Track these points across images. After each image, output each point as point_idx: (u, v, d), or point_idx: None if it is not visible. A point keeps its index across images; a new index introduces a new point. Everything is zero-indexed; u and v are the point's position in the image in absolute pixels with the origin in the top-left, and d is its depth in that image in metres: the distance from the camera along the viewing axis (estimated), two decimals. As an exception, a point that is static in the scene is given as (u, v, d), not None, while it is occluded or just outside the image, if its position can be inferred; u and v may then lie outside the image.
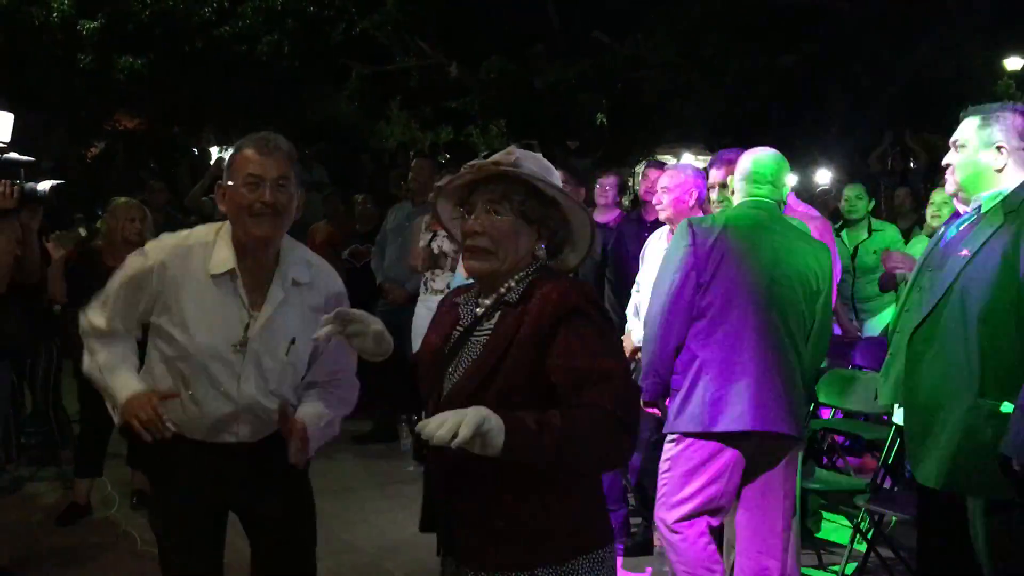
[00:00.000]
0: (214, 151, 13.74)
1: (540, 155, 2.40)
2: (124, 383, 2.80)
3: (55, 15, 12.47)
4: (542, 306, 2.18)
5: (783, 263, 3.71)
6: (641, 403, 3.91)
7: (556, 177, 2.34)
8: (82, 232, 6.72)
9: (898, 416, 3.35)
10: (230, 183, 2.78)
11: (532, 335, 2.16)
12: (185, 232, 2.93)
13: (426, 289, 6.43)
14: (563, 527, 2.19)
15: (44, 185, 4.06)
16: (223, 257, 2.80)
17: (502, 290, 2.28)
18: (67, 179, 4.94)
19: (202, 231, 2.90)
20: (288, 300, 2.85)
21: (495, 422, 1.92)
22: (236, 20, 13.27)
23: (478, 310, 2.32)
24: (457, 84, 13.06)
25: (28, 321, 5.47)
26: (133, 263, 2.87)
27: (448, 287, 6.14)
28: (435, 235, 6.39)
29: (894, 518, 4.55)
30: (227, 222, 2.85)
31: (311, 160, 12.14)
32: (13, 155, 4.10)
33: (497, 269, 2.27)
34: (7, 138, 4.08)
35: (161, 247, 2.87)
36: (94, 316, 2.91)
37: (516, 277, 2.28)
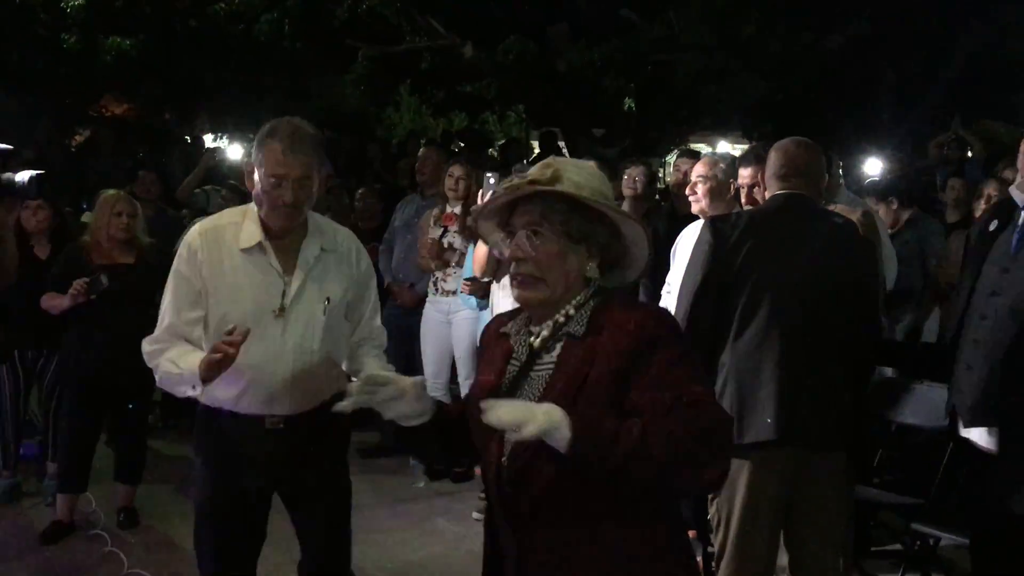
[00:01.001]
0: (208, 139, 13.79)
1: (588, 163, 2.38)
2: (195, 358, 3.12)
3: (37, -8, 12.55)
4: (618, 339, 2.14)
5: (819, 260, 3.69)
6: None
7: (605, 184, 2.32)
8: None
9: (975, 435, 3.33)
10: (256, 170, 3.18)
11: (609, 372, 2.12)
12: (216, 215, 3.42)
13: (436, 290, 6.43)
14: (645, 559, 2.17)
15: (23, 176, 4.09)
16: (251, 232, 3.23)
17: (560, 319, 2.26)
18: (50, 169, 4.97)
19: (231, 212, 3.39)
20: (319, 263, 3.31)
21: (564, 431, 1.97)
22: (232, -3, 13.32)
23: (533, 340, 2.29)
24: (472, 67, 13.04)
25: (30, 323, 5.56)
26: (177, 259, 3.29)
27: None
28: (446, 230, 6.39)
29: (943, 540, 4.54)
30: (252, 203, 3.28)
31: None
32: None
33: (549, 297, 2.25)
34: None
35: (193, 234, 3.30)
36: (171, 323, 3.27)
37: (574, 303, 2.26)
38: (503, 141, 15.52)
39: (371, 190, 8.52)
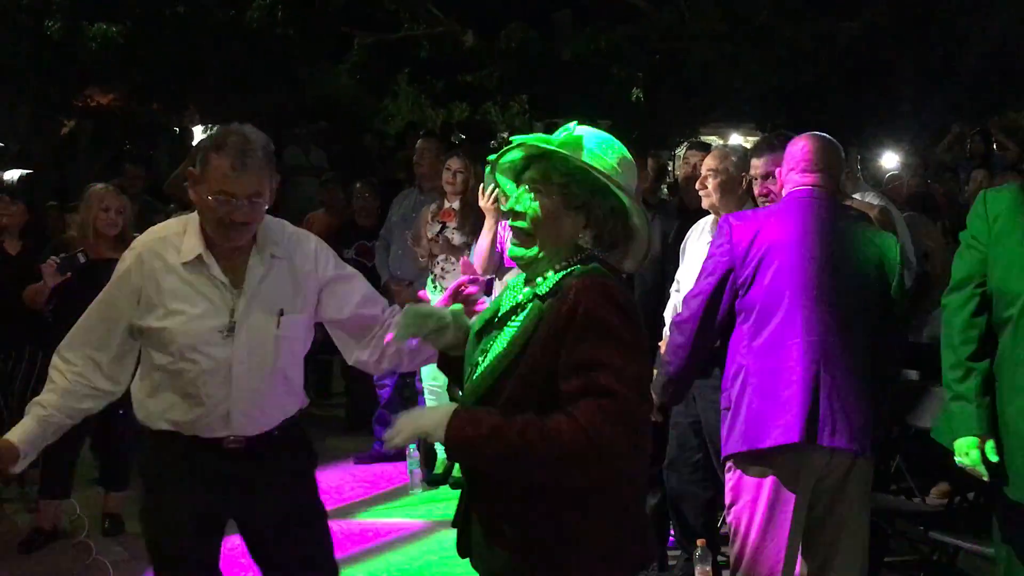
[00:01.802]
0: (197, 131, 13.79)
1: (607, 136, 2.44)
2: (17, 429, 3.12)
3: (19, -24, 12.55)
4: (560, 304, 2.27)
5: (839, 258, 3.69)
6: (655, 411, 4.05)
7: (625, 164, 2.39)
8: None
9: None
10: (202, 182, 3.01)
11: (548, 335, 2.27)
12: (160, 225, 3.25)
13: (435, 287, 6.44)
14: (585, 548, 2.28)
15: (12, 174, 4.10)
16: (191, 245, 3.08)
17: (539, 279, 2.38)
18: (32, 163, 4.99)
19: (173, 223, 3.21)
20: (270, 273, 3.14)
21: (439, 434, 2.23)
22: (223, -19, 13.33)
23: (518, 297, 2.43)
24: (473, 55, 13.05)
25: (3, 320, 5.56)
26: (118, 268, 3.15)
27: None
28: (444, 226, 6.40)
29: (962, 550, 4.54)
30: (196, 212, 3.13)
31: (308, 142, 12.18)
32: None
33: (535, 256, 2.37)
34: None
35: (138, 243, 3.17)
36: (84, 356, 3.15)
37: (556, 267, 2.37)
38: (505, 133, 15.53)
39: (367, 185, 8.52)
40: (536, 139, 2.38)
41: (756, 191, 4.47)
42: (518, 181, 2.43)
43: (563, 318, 2.25)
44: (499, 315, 2.46)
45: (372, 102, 17.43)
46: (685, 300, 3.94)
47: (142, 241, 3.17)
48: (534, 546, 2.29)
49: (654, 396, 3.90)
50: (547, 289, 2.34)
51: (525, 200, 2.36)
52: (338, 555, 3.50)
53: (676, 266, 5.03)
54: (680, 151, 7.56)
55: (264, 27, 13.38)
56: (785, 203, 3.86)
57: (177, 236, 3.11)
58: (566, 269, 2.37)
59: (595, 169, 2.32)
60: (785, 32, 11.76)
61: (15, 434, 3.10)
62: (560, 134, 2.37)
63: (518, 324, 2.36)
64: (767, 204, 4.34)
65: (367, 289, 3.34)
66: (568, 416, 2.18)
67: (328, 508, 3.50)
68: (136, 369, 3.21)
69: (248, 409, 3.12)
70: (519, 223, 2.37)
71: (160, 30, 13.33)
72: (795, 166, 3.85)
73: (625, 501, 2.36)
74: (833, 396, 3.59)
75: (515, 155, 2.42)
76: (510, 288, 2.52)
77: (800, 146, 3.88)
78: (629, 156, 2.43)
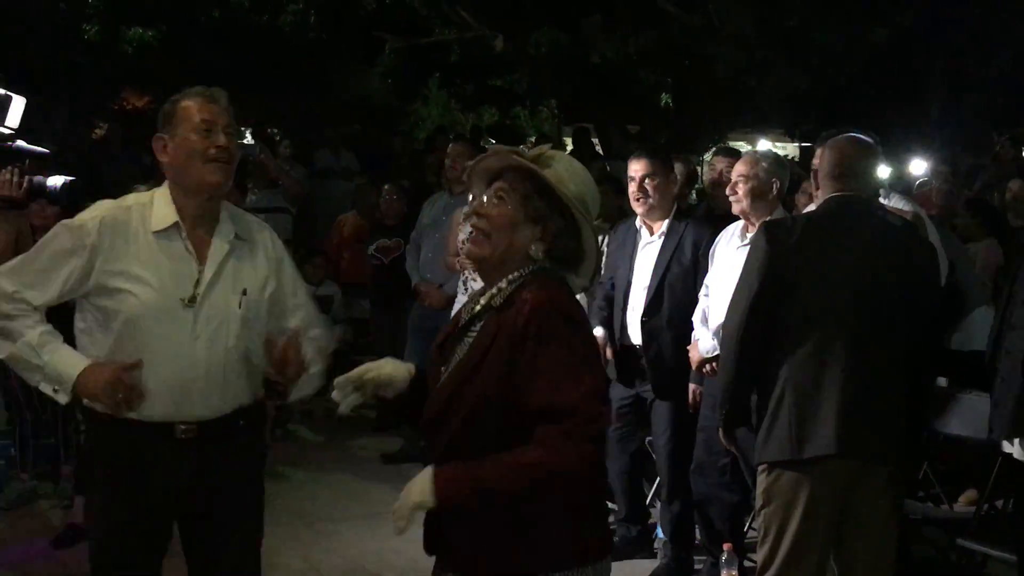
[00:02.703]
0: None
1: (576, 162, 2.60)
2: (70, 358, 2.99)
3: (59, -19, 12.70)
4: (515, 317, 2.39)
5: (878, 266, 3.65)
6: (720, 435, 4.00)
7: (590, 191, 2.54)
8: None
9: (1015, 448, 3.30)
10: (176, 133, 3.05)
11: (503, 347, 2.39)
12: (119, 199, 3.17)
13: (465, 290, 6.43)
14: (548, 537, 2.38)
15: (55, 181, 4.13)
16: (164, 214, 3.07)
17: (493, 291, 2.50)
18: (67, 165, 5.04)
19: (135, 195, 3.18)
20: (234, 252, 3.13)
21: (430, 500, 2.37)
22: (257, -13, 13.43)
23: (473, 306, 2.56)
24: (503, 60, 13.05)
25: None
26: (64, 231, 3.05)
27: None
28: (475, 228, 6.41)
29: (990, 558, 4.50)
30: (161, 186, 3.14)
31: (339, 144, 12.23)
32: (22, 144, 4.18)
33: (488, 256, 2.50)
34: (16, 124, 4.16)
35: (97, 212, 3.07)
36: (18, 288, 3.03)
37: (508, 278, 2.49)
38: (535, 137, 15.52)
39: (395, 187, 8.55)
40: (511, 151, 2.54)
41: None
42: (487, 185, 2.57)
43: (518, 331, 2.37)
44: (459, 326, 2.60)
45: (403, 106, 17.49)
46: (728, 311, 3.85)
47: (103, 207, 3.08)
48: (488, 539, 2.41)
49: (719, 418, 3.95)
50: (501, 301, 2.47)
51: (490, 204, 2.50)
52: (360, 559, 3.46)
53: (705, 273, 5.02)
54: (708, 156, 7.53)
55: (297, 32, 13.47)
56: (823, 210, 3.80)
57: (143, 207, 3.09)
58: (517, 280, 2.48)
59: (558, 188, 2.46)
60: (815, 37, 11.68)
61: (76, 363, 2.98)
62: (533, 150, 2.54)
63: (475, 334, 2.51)
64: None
65: (306, 299, 3.38)
66: (537, 446, 2.30)
67: (350, 511, 3.49)
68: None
69: (204, 388, 3.03)
70: (480, 223, 2.50)
71: (195, 34, 13.44)
72: (831, 171, 3.78)
73: (576, 487, 2.41)
74: (872, 407, 3.57)
75: (492, 162, 2.57)
76: (469, 300, 2.66)
77: (836, 150, 3.81)
78: (595, 187, 2.59)
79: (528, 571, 2.40)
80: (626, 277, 5.16)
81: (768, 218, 4.72)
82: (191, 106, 3.05)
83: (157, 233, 3.04)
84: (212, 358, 3.04)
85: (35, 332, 3.00)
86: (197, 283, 3.03)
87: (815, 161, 4.08)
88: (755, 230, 4.73)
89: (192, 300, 3.01)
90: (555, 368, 2.33)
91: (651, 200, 5.08)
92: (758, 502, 3.77)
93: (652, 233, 5.15)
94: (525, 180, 2.50)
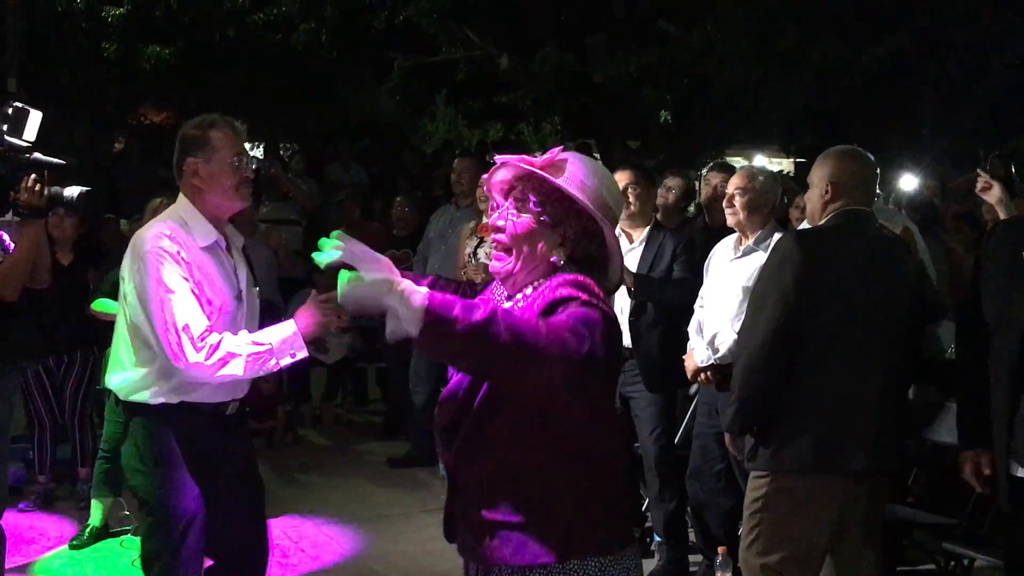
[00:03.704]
0: (246, 148, 13.92)
1: (594, 163, 2.47)
2: (276, 330, 3.35)
3: (78, 1, 12.75)
4: (535, 301, 2.29)
5: (887, 279, 3.65)
6: (731, 441, 4.01)
7: (609, 189, 2.41)
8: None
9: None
10: (210, 159, 3.36)
11: None
12: (154, 225, 3.44)
13: (472, 301, 6.47)
14: (559, 526, 2.29)
15: (72, 191, 4.17)
16: (205, 231, 3.42)
17: (518, 296, 2.39)
18: (86, 178, 5.08)
19: (166, 216, 3.47)
20: (246, 251, 3.69)
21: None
22: (271, 7, 13.44)
23: None
24: (508, 77, 13.09)
25: (56, 327, 5.64)
26: (167, 263, 3.30)
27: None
28: (482, 241, 6.43)
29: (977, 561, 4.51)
30: (175, 203, 3.46)
31: (349, 159, 12.30)
32: (39, 156, 4.22)
33: (512, 271, 2.39)
34: (33, 137, 4.20)
35: (164, 242, 3.33)
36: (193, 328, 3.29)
37: (534, 285, 2.38)
38: (539, 152, 15.55)
39: (408, 199, 8.58)
40: (521, 159, 2.41)
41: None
42: (505, 198, 2.45)
43: (539, 309, 2.24)
44: None
45: (411, 121, 17.53)
46: (753, 323, 3.71)
47: (158, 232, 3.35)
48: (518, 529, 2.31)
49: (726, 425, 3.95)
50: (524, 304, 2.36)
51: (508, 216, 2.40)
52: (366, 560, 3.53)
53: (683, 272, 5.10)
54: (704, 171, 7.56)
55: (310, 50, 13.51)
56: (844, 221, 3.73)
57: (182, 227, 3.39)
58: (541, 286, 2.37)
59: (569, 191, 2.35)
60: (810, 57, 11.71)
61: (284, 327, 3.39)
62: (544, 157, 2.41)
63: None
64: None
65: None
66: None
67: (357, 512, 3.61)
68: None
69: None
70: (499, 236, 2.41)
71: (211, 52, 13.51)
72: (849, 182, 3.71)
73: (592, 479, 2.35)
74: (892, 420, 3.58)
75: (503, 174, 2.44)
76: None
77: (851, 162, 3.76)
78: (614, 184, 2.47)
79: (548, 559, 2.30)
80: None
81: (762, 230, 4.77)
82: (223, 137, 3.39)
83: (204, 248, 3.41)
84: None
85: (230, 341, 3.30)
86: (238, 281, 3.52)
87: (819, 173, 3.84)
88: (749, 242, 4.78)
89: (239, 297, 3.49)
90: (573, 315, 2.14)
91: (632, 208, 5.14)
92: (753, 505, 3.73)
93: (632, 241, 5.21)
94: (538, 187, 2.39)
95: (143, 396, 3.40)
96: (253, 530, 3.62)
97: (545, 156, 2.40)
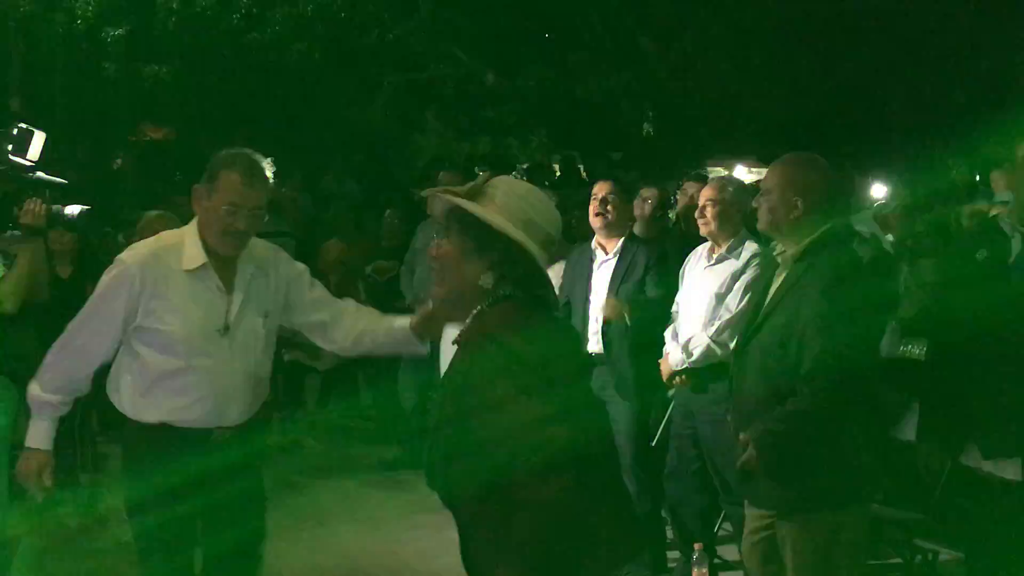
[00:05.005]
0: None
1: (520, 184, 2.50)
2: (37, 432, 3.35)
3: (79, 22, 12.76)
4: (462, 356, 2.31)
5: None
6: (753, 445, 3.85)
7: (535, 209, 2.37)
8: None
9: (1001, 468, 3.33)
10: (212, 195, 3.20)
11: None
12: (151, 239, 3.41)
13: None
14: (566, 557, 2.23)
15: (73, 209, 4.22)
16: (194, 254, 3.25)
17: (463, 326, 2.39)
18: (86, 194, 5.11)
19: (169, 234, 3.39)
20: (255, 280, 3.35)
21: None
22: (265, 27, 13.47)
23: (455, 345, 2.41)
24: (494, 93, 13.16)
25: (55, 338, 5.62)
26: (109, 276, 3.25)
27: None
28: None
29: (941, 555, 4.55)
30: (192, 224, 3.31)
31: (343, 173, 12.33)
32: (42, 175, 4.26)
33: (444, 295, 2.42)
34: (37, 157, 4.25)
35: (135, 254, 3.29)
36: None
37: (473, 313, 2.36)
38: (527, 165, 15.61)
39: (398, 211, 8.59)
40: (444, 190, 2.42)
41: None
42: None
43: (456, 373, 2.30)
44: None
45: (402, 136, 17.58)
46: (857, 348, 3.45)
47: (138, 251, 3.30)
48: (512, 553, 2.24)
49: None
50: (462, 334, 2.37)
51: (436, 245, 2.42)
52: (358, 563, 3.52)
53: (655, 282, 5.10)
54: (682, 182, 7.60)
55: (303, 67, 13.54)
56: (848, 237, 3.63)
57: (175, 247, 3.26)
58: (479, 313, 2.35)
59: (483, 216, 2.32)
60: (783, 72, 11.80)
61: (36, 440, 3.36)
62: (470, 184, 2.40)
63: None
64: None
65: (323, 293, 3.56)
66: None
67: (349, 515, 3.57)
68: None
69: (238, 399, 3.30)
70: (432, 264, 2.43)
71: (208, 71, 13.53)
72: (834, 194, 3.52)
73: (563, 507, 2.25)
74: None
75: (436, 206, 2.46)
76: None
77: (830, 173, 3.52)
78: (542, 204, 2.41)
79: None
80: (584, 293, 5.20)
81: (733, 239, 4.80)
82: (227, 182, 3.18)
83: (189, 272, 3.23)
84: (245, 374, 3.31)
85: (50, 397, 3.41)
86: (227, 312, 3.26)
87: (779, 180, 3.48)
88: (721, 250, 4.81)
89: (226, 328, 3.25)
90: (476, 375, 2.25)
91: (609, 217, 5.14)
92: (819, 546, 3.31)
93: (607, 253, 5.21)
94: (459, 215, 2.36)
95: None
96: None
97: (471, 184, 2.40)
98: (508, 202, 2.36)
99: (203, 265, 3.24)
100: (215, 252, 3.26)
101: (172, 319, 3.20)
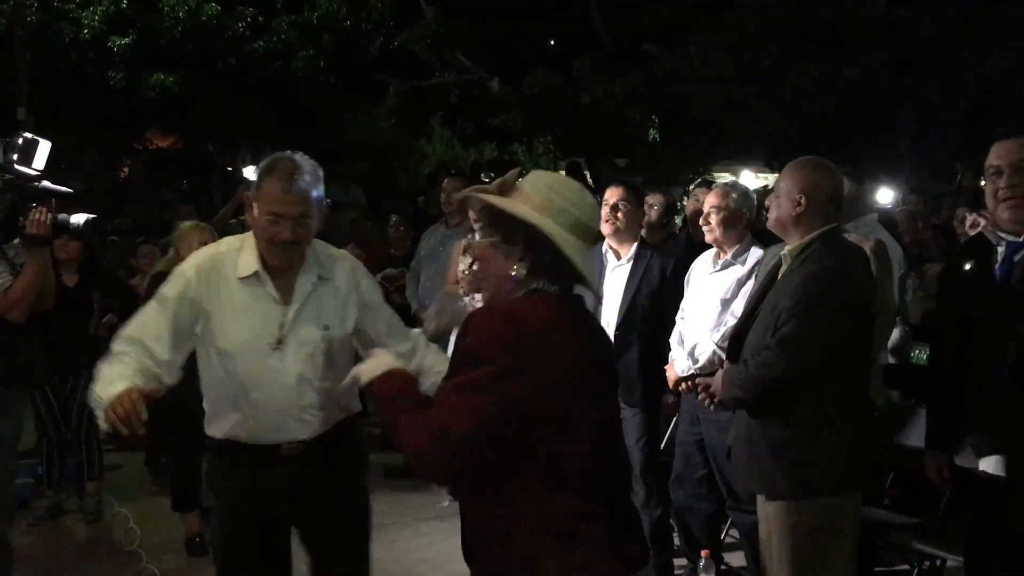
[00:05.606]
0: (249, 171, 13.99)
1: (548, 174, 2.51)
2: (108, 382, 2.92)
3: (86, 32, 12.81)
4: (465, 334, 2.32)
5: None
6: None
7: (562, 196, 2.39)
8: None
9: (987, 464, 3.32)
10: (258, 202, 3.10)
11: None
12: (217, 243, 3.37)
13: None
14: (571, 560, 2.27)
15: (78, 218, 4.22)
16: (248, 262, 3.16)
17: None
18: (93, 202, 5.12)
19: (231, 240, 3.30)
20: (316, 291, 3.21)
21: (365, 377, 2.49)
22: (270, 35, 13.53)
23: None
24: (499, 100, 13.16)
25: (62, 347, 5.65)
26: (174, 278, 3.19)
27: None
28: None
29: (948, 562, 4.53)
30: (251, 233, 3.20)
31: (348, 180, 12.34)
32: (47, 184, 4.27)
33: (482, 289, 2.46)
34: (42, 166, 4.26)
35: (196, 258, 3.25)
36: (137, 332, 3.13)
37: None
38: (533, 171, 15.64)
39: (403, 219, 8.61)
40: (472, 188, 2.46)
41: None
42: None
43: (457, 351, 2.36)
44: None
45: (408, 143, 17.61)
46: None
47: (201, 255, 3.26)
48: (516, 556, 2.31)
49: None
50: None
51: (472, 241, 2.47)
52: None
53: (673, 297, 5.05)
54: (692, 187, 7.61)
55: (308, 75, 13.58)
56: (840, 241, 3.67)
57: (234, 252, 3.20)
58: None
59: (505, 207, 2.36)
60: (789, 77, 11.78)
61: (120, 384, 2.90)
62: (499, 180, 2.45)
63: None
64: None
65: (393, 320, 3.43)
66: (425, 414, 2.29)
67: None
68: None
69: (298, 414, 3.18)
70: (471, 260, 2.50)
71: (214, 79, 13.57)
72: (837, 198, 3.58)
73: (560, 514, 2.30)
74: None
75: (468, 204, 2.48)
76: None
77: (829, 177, 3.59)
78: (570, 191, 2.43)
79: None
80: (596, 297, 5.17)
81: (739, 245, 4.79)
82: (270, 190, 3.06)
83: (243, 279, 3.15)
84: (302, 391, 3.17)
85: (114, 367, 2.99)
86: (281, 324, 3.14)
87: (787, 180, 3.60)
88: (727, 256, 4.80)
89: (280, 341, 3.13)
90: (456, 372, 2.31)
91: (619, 223, 5.12)
92: (796, 532, 3.44)
93: (619, 258, 5.18)
94: (488, 210, 2.41)
95: None
96: None
97: (501, 179, 2.44)
98: (534, 191, 2.40)
99: (256, 273, 3.15)
100: (272, 261, 3.16)
101: (223, 327, 3.13)
